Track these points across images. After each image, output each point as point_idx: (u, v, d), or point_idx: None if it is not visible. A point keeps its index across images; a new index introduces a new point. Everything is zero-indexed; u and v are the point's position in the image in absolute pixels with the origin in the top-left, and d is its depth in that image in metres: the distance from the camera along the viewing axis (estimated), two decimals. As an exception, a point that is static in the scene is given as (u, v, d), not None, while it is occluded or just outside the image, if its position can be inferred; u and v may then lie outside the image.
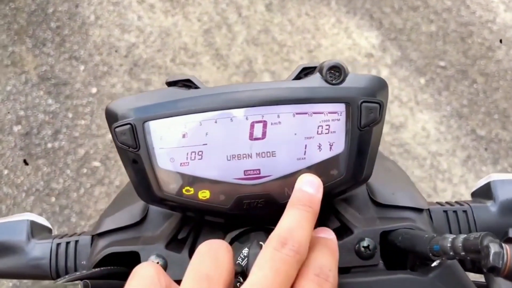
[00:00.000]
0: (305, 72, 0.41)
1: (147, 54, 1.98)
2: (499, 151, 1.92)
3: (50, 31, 2.00)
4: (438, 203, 0.44)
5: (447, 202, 0.45)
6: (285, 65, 2.03)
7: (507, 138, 1.92)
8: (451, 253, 0.31)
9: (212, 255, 0.29)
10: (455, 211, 0.43)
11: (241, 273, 0.33)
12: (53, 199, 1.59)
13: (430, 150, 1.80)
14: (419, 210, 0.41)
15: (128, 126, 0.36)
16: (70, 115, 1.79)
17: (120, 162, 1.69)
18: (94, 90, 1.88)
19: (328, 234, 0.33)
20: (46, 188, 1.60)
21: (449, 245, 0.31)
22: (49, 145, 1.70)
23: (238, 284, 0.36)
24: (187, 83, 0.40)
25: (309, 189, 0.33)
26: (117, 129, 0.36)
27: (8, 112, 1.76)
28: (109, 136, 1.72)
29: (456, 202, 0.45)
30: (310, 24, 2.16)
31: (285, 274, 0.27)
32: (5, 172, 1.63)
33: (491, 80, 2.07)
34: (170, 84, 0.40)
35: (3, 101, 1.79)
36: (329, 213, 0.41)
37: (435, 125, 1.86)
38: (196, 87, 0.39)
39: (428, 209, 0.42)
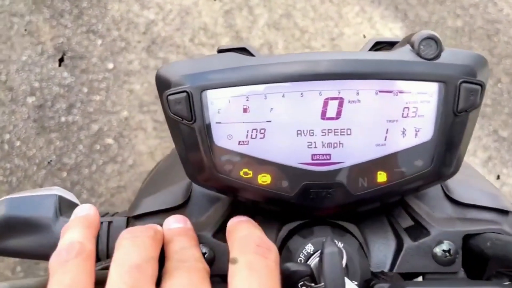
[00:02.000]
0: (379, 47, 0.36)
1: (166, 32, 1.93)
2: (521, 154, 1.86)
3: (69, 2, 1.94)
4: (522, 205, 0.39)
5: (531, 205, 0.39)
6: (306, 52, 1.96)
7: (529, 141, 1.86)
8: None
9: (139, 243, 0.27)
10: (544, 216, 0.37)
11: (310, 276, 0.28)
12: (64, 174, 1.55)
13: (452, 149, 1.74)
14: (504, 212, 0.36)
15: (184, 94, 0.31)
16: (85, 89, 1.74)
17: (134, 141, 1.64)
18: (110, 65, 1.83)
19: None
20: (58, 162, 1.57)
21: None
22: (63, 119, 1.66)
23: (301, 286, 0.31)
24: (242, 53, 0.35)
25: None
26: (170, 97, 0.31)
27: (23, 83, 1.72)
28: (124, 113, 1.68)
29: (542, 205, 0.39)
30: (333, 12, 2.09)
31: None
32: (17, 143, 1.60)
33: (516, 80, 1.99)
34: (222, 52, 0.35)
35: (18, 71, 1.75)
36: (400, 210, 0.36)
37: (458, 123, 1.79)
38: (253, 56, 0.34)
39: (513, 212, 0.37)
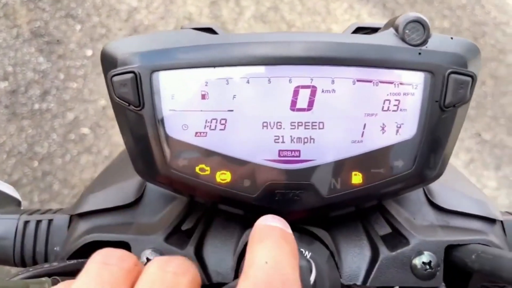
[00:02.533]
0: (361, 33, 0.32)
1: (149, 20, 1.87)
2: (502, 157, 1.86)
3: (47, -16, 1.86)
4: (509, 213, 0.36)
5: (520, 213, 0.36)
6: (293, 46, 1.93)
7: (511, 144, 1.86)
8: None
9: (108, 276, 0.20)
10: (534, 226, 0.34)
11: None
12: (35, 163, 1.49)
13: (435, 149, 1.74)
14: (491, 221, 0.32)
15: (131, 75, 0.26)
16: (61, 76, 1.67)
17: (111, 131, 1.59)
18: (89, 52, 1.76)
19: (280, 222, 0.24)
20: (29, 151, 1.50)
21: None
22: (36, 106, 1.59)
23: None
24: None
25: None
26: (115, 78, 0.27)
27: (-5, 67, 1.64)
28: (102, 102, 1.62)
29: (531, 214, 0.36)
30: (321, 7, 2.06)
31: None
32: (-13, 130, 1.52)
33: (500, 83, 2.00)
34: (185, 31, 0.31)
35: (-9, 55, 1.67)
36: (377, 215, 0.32)
37: (442, 124, 1.79)
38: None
39: (501, 221, 0.34)
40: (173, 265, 0.20)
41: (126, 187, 0.34)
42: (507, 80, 1.94)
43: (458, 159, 1.75)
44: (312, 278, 0.24)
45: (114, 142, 1.57)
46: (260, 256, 0.20)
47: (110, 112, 1.60)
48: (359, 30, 0.31)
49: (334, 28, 1.94)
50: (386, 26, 0.28)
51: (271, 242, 0.21)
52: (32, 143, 1.51)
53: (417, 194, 0.34)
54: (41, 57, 1.70)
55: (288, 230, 0.23)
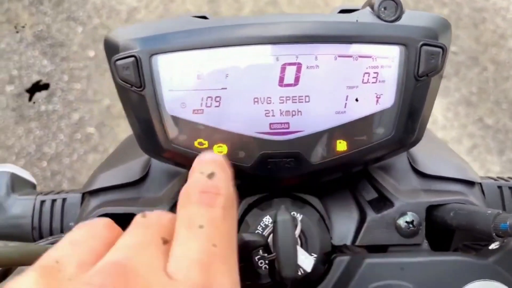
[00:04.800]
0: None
1: (149, 19, 1.89)
2: (506, 141, 1.87)
3: (48, -12, 1.89)
4: (489, 177, 0.38)
5: (499, 177, 0.38)
6: (292, 40, 1.94)
7: (514, 129, 1.87)
8: (524, 233, 0.25)
9: (87, 226, 0.23)
10: (511, 188, 0.37)
11: (264, 246, 0.27)
12: (44, 163, 1.52)
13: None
14: (470, 184, 0.35)
15: (132, 59, 0.29)
16: (65, 78, 1.71)
17: (116, 130, 1.62)
18: (92, 53, 1.79)
19: (212, 154, 0.26)
20: (37, 152, 1.54)
21: (523, 223, 0.25)
22: (43, 107, 1.62)
23: (257, 258, 0.30)
24: (202, 21, 0.33)
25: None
26: (118, 62, 0.29)
27: (1, 71, 1.68)
28: (106, 102, 1.65)
29: (509, 177, 0.38)
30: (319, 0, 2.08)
31: None
32: (-5, 133, 1.56)
33: (501, 68, 2.00)
34: (181, 20, 0.33)
35: (-4, 59, 1.71)
36: (364, 182, 0.35)
37: (442, 111, 1.80)
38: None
39: (480, 183, 0.36)
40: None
41: (132, 166, 0.37)
42: (508, 65, 1.95)
43: (461, 144, 1.77)
44: (298, 230, 0.27)
45: (119, 140, 1.60)
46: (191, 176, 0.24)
47: (114, 111, 1.63)
48: (342, 12, 0.34)
49: (333, 20, 1.95)
50: (364, 5, 0.31)
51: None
52: (40, 144, 1.55)
53: (401, 163, 0.36)
54: (45, 60, 1.73)
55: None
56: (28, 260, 0.25)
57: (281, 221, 0.26)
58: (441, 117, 1.79)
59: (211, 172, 0.23)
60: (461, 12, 2.05)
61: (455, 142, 1.76)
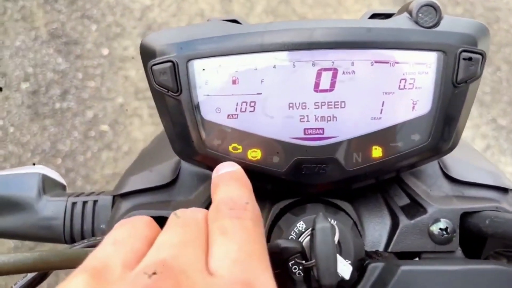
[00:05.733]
0: (376, 19, 0.34)
1: (162, 18, 1.90)
2: (519, 142, 1.85)
3: (63, -14, 1.90)
4: (521, 183, 0.38)
5: (532, 184, 0.38)
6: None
7: (528, 129, 1.85)
8: None
9: (128, 224, 0.25)
10: (544, 195, 0.36)
11: (300, 253, 0.27)
12: (59, 160, 1.54)
13: (450, 136, 1.74)
14: (504, 190, 0.35)
15: (169, 64, 0.29)
16: (80, 75, 1.72)
17: (129, 128, 1.63)
18: (105, 51, 1.80)
19: (230, 167, 0.29)
20: (52, 149, 1.55)
21: None
22: (57, 105, 1.64)
23: (293, 267, 0.30)
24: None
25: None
26: (155, 67, 0.29)
27: (16, 68, 1.69)
28: (119, 100, 1.66)
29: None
30: (332, -2, 2.07)
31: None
32: (11, 129, 1.58)
33: (515, 68, 1.97)
34: (212, 23, 0.33)
35: (12, 57, 1.72)
36: (396, 187, 0.35)
37: (457, 111, 1.78)
38: (245, 28, 0.32)
39: (514, 190, 0.36)
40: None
41: (163, 169, 0.37)
42: (522, 65, 1.93)
43: (474, 145, 1.75)
44: (336, 238, 0.27)
45: (133, 138, 1.61)
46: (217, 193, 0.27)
47: (128, 108, 1.64)
48: (374, 16, 0.34)
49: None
50: (401, 11, 0.31)
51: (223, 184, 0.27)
52: (55, 141, 1.56)
53: (432, 168, 0.36)
54: (60, 57, 1.74)
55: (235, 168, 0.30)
56: (67, 264, 0.25)
57: (321, 228, 0.26)
58: (454, 117, 1.77)
59: (233, 188, 0.27)
60: (474, 11, 2.03)
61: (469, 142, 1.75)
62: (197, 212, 0.25)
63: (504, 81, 1.90)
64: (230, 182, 0.27)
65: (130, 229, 0.24)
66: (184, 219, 0.24)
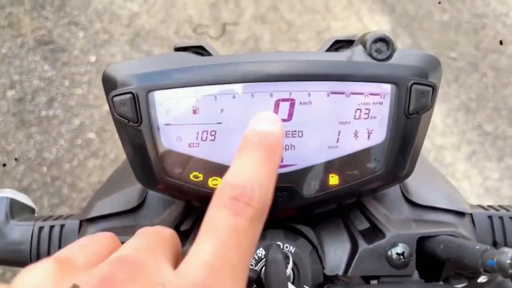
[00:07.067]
0: (338, 46, 0.35)
1: (150, 24, 1.90)
2: (505, 148, 1.87)
3: (50, -7, 1.90)
4: (480, 206, 0.39)
5: (489, 206, 0.39)
6: (293, 46, 1.96)
7: (514, 135, 1.87)
8: (510, 271, 0.25)
9: (92, 236, 0.26)
10: (501, 217, 0.37)
11: (256, 281, 0.28)
12: (44, 169, 1.53)
13: (435, 143, 1.76)
14: (460, 214, 0.36)
15: (129, 95, 0.30)
16: (66, 83, 1.72)
17: (117, 135, 1.63)
18: (93, 58, 1.80)
19: (268, 123, 0.24)
20: (38, 157, 1.54)
21: (509, 261, 0.25)
22: (43, 112, 1.63)
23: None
24: (199, 51, 0.34)
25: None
26: (115, 98, 0.30)
27: (2, 76, 1.69)
28: (107, 107, 1.66)
29: (500, 206, 0.39)
30: (320, 5, 2.08)
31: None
32: (-4, 138, 1.57)
33: (501, 75, 2.01)
34: (179, 50, 0.34)
35: (-3, 64, 1.72)
36: (357, 212, 0.35)
37: (441, 117, 1.81)
38: (210, 55, 0.33)
39: (471, 214, 0.37)
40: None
41: (130, 193, 0.38)
42: (508, 71, 1.95)
43: (460, 151, 1.77)
44: (289, 268, 0.28)
45: (120, 145, 1.61)
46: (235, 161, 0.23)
47: (115, 116, 1.64)
48: (336, 43, 0.35)
49: (334, 26, 1.96)
50: (357, 42, 0.32)
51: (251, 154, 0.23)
52: (41, 149, 1.56)
53: (394, 192, 0.37)
54: (46, 64, 1.74)
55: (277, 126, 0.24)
56: None
57: (272, 260, 0.26)
58: (440, 123, 1.79)
59: (252, 162, 0.22)
60: (461, 18, 2.06)
61: (454, 149, 1.77)
62: (162, 229, 0.25)
63: (490, 87, 1.92)
64: (254, 152, 0.23)
65: (94, 239, 0.25)
66: (149, 231, 0.24)
